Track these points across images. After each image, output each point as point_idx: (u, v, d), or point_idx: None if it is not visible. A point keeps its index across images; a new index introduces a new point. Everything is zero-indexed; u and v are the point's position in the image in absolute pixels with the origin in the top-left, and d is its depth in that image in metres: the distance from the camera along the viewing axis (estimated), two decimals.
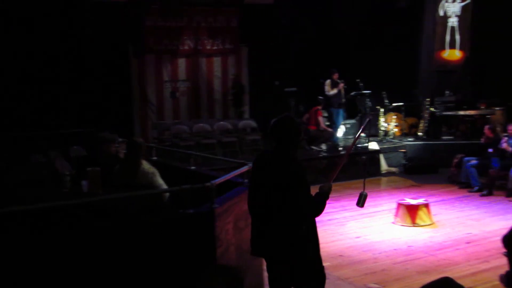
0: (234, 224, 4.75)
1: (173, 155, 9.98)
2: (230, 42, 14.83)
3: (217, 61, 14.84)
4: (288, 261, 4.03)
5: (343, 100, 13.60)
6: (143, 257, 4.05)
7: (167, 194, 5.60)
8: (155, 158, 7.62)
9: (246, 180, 5.39)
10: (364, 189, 4.42)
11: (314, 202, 4.04)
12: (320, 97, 13.40)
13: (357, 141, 4.88)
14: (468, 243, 7.42)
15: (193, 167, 6.96)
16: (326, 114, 13.88)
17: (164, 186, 5.81)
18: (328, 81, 13.42)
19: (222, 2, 14.62)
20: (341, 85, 13.35)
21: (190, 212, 4.24)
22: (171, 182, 5.66)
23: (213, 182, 4.44)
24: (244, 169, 5.37)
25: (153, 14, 13.90)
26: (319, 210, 4.05)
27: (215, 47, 14.68)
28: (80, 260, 3.87)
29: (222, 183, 4.71)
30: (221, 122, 13.57)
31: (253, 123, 13.77)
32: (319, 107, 13.43)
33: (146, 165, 5.92)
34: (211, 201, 4.36)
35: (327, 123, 14.05)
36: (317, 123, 13.39)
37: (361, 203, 4.37)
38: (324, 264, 6.56)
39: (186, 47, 14.37)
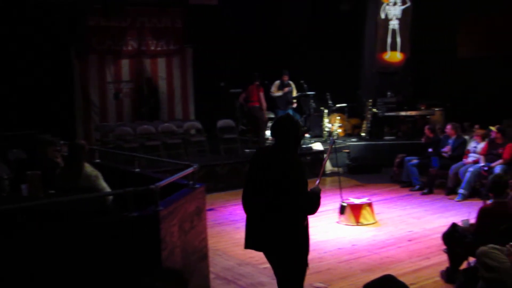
0: (179, 227, 4.71)
1: (117, 157, 9.83)
2: (174, 43, 14.73)
3: (161, 62, 14.71)
4: (285, 254, 4.19)
5: (293, 100, 13.62)
6: (86, 261, 3.97)
7: (111, 197, 5.52)
8: (98, 160, 7.48)
9: (191, 182, 5.36)
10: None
11: (312, 199, 4.20)
12: (256, 72, 13.14)
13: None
14: (410, 240, 7.59)
15: (137, 170, 6.87)
16: (272, 115, 13.96)
17: (107, 189, 5.72)
18: (276, 82, 13.48)
19: (167, 2, 14.50)
20: (286, 89, 13.43)
21: (134, 215, 4.18)
22: (115, 185, 5.58)
23: (157, 184, 4.40)
24: (189, 170, 5.34)
25: (96, 14, 13.66)
26: (316, 207, 4.22)
27: (159, 48, 14.55)
28: (22, 265, 3.76)
29: (167, 185, 4.67)
30: (166, 124, 13.44)
31: (198, 125, 13.69)
32: (258, 82, 13.09)
33: (88, 168, 5.82)
34: (156, 204, 4.32)
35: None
36: (259, 100, 13.02)
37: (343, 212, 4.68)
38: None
39: (129, 48, 14.20)
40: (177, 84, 14.83)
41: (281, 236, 4.13)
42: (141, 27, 14.26)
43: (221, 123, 13.30)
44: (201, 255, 5.39)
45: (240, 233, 8.03)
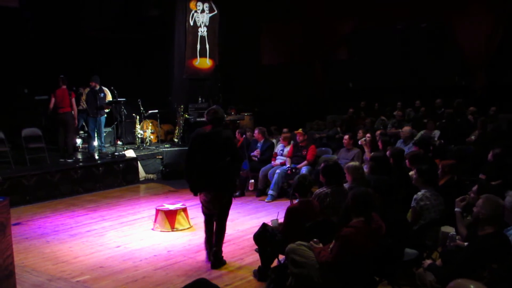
0: None
1: None
2: None
3: None
4: (227, 190, 6.62)
5: (103, 107, 13.18)
6: None
7: None
8: None
9: None
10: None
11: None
12: (61, 75, 12.61)
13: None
14: (224, 243, 7.76)
15: None
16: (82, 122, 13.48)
17: None
18: (86, 89, 13.00)
19: None
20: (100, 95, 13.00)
21: None
22: None
23: None
24: None
25: None
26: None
27: None
28: None
29: None
30: None
31: (0, 134, 12.74)
32: (65, 86, 12.52)
33: None
34: None
35: (82, 132, 13.66)
36: (72, 105, 12.56)
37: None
38: (84, 277, 6.40)
39: None
40: None
41: (227, 179, 6.52)
42: None
43: (26, 131, 12.52)
44: (7, 273, 5.04)
45: (50, 247, 7.67)
